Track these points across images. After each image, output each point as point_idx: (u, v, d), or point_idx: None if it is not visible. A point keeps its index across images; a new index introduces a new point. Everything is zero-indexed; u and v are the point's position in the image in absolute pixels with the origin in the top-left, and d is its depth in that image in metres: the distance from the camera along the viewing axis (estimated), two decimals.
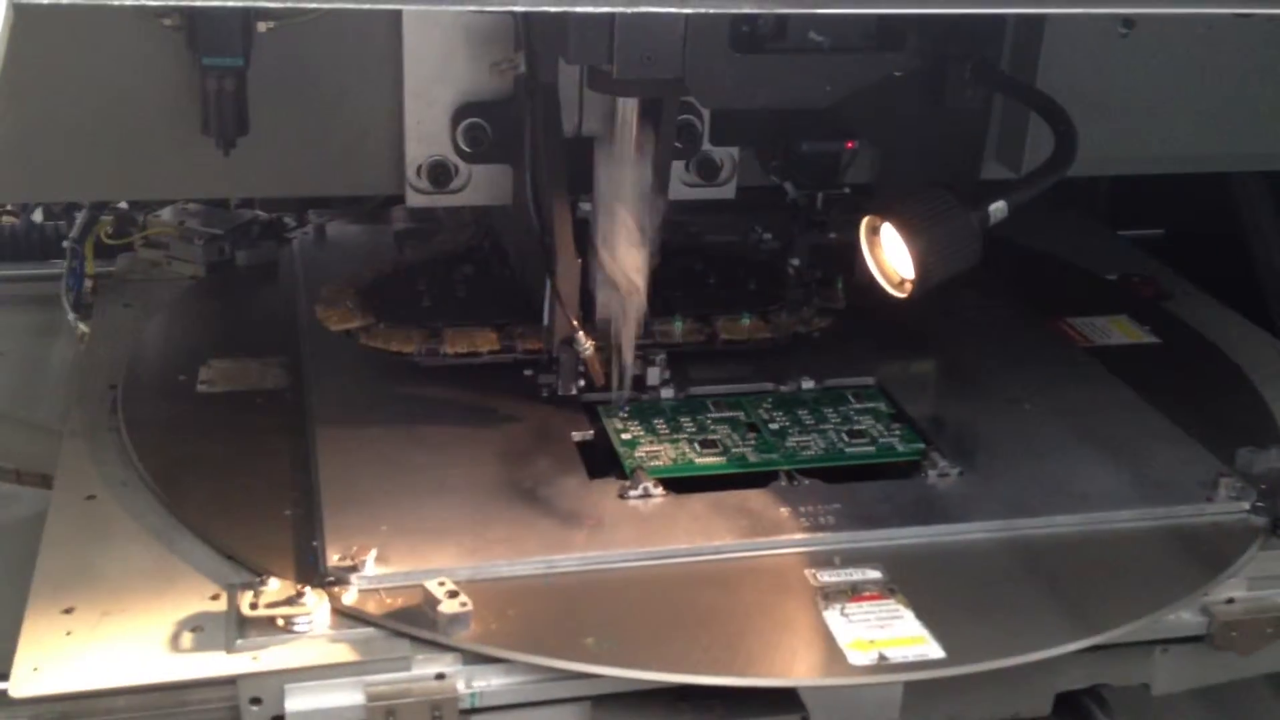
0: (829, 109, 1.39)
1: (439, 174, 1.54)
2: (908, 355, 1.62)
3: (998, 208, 1.36)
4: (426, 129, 1.52)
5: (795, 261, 1.70)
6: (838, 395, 1.54)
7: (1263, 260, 2.09)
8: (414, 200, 1.56)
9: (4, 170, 1.44)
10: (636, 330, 1.45)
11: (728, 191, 1.64)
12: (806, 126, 1.56)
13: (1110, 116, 1.64)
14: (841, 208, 1.63)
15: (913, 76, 1.39)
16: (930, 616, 1.18)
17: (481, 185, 1.56)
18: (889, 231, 1.38)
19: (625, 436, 1.43)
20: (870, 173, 1.72)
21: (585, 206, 1.49)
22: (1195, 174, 1.92)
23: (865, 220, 1.42)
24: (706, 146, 1.60)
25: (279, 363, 1.57)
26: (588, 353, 1.41)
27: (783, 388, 1.54)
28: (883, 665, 1.13)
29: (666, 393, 1.50)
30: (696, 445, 1.42)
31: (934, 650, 1.15)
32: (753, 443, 1.44)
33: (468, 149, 1.53)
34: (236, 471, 1.36)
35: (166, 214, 1.91)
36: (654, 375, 1.51)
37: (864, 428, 1.47)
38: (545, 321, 1.46)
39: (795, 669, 1.13)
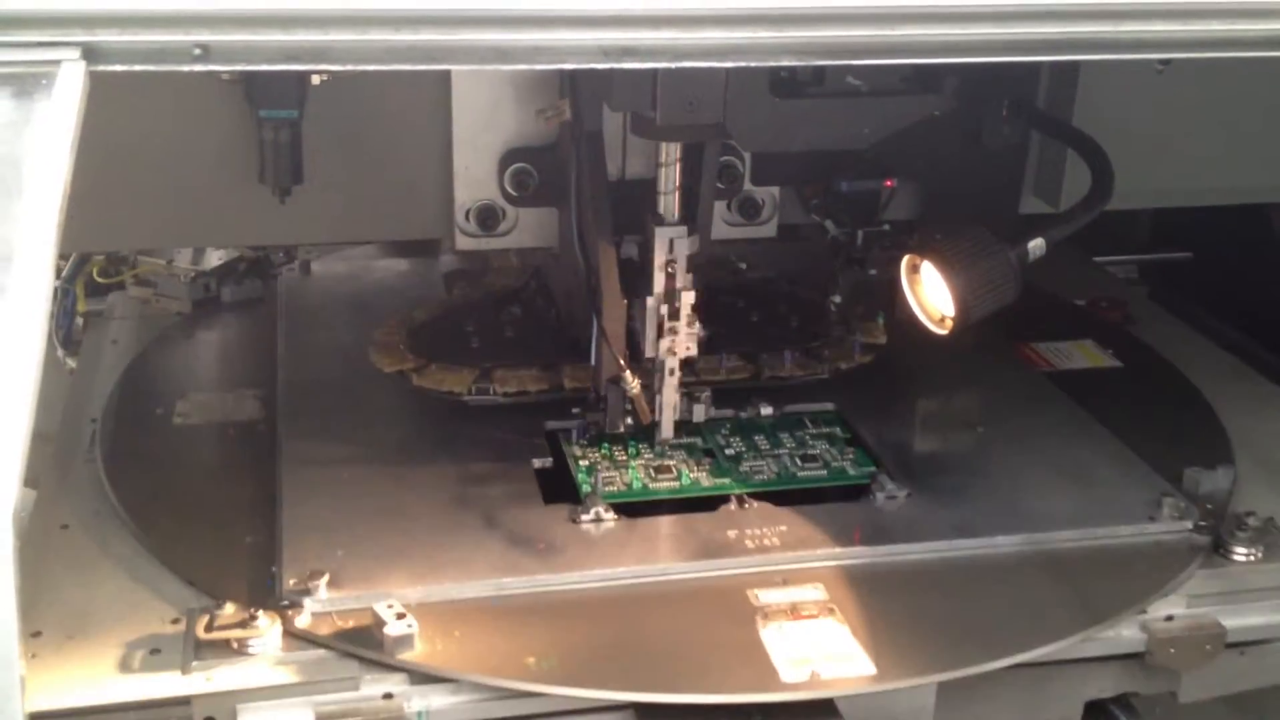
0: (868, 149, 1.42)
1: (487, 217, 1.57)
2: (869, 380, 1.65)
3: (1036, 245, 1.38)
4: (474, 174, 1.56)
5: (836, 298, 1.72)
6: (795, 421, 1.58)
7: None
8: (463, 243, 1.59)
9: (71, 221, 1.49)
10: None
11: (769, 230, 1.66)
12: (846, 166, 1.59)
13: (1148, 150, 1.66)
14: (881, 245, 1.65)
15: (951, 115, 1.41)
16: (866, 634, 1.23)
17: (528, 228, 1.59)
18: (929, 270, 1.41)
19: (584, 463, 1.48)
20: (910, 209, 1.74)
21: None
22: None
23: (906, 258, 1.45)
24: (748, 187, 1.62)
25: (254, 395, 1.64)
26: (634, 391, 1.45)
27: (742, 414, 1.57)
28: (814, 681, 1.17)
29: (627, 420, 1.52)
30: (652, 471, 1.47)
31: (865, 667, 1.19)
32: (707, 468, 1.48)
33: (515, 193, 1.56)
34: (204, 500, 1.43)
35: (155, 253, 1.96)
36: (699, 412, 1.54)
37: (817, 452, 1.52)
38: (592, 361, 1.49)
39: (728, 685, 1.18)
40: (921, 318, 1.46)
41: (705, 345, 1.60)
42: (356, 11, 0.94)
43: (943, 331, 1.43)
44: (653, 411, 1.48)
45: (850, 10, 1.00)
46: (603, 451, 1.50)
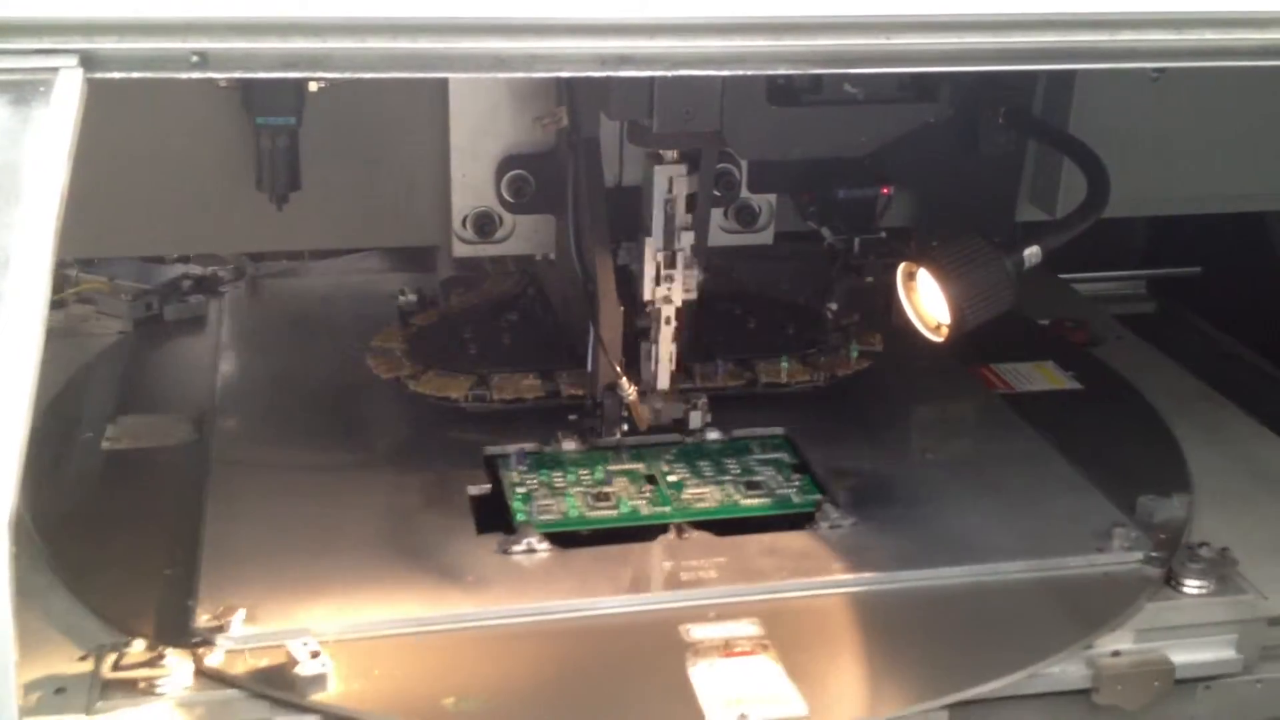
0: (865, 156, 1.43)
1: (484, 224, 1.58)
2: (823, 401, 1.61)
3: (1032, 252, 1.39)
4: (472, 181, 1.56)
5: (833, 305, 1.73)
6: (742, 446, 1.54)
7: None
8: (460, 250, 1.60)
9: (69, 227, 1.49)
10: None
11: (766, 237, 1.67)
12: (843, 173, 1.59)
13: (1143, 158, 1.67)
14: (878, 252, 1.66)
15: (947, 123, 1.42)
16: (800, 672, 1.18)
17: (525, 235, 1.60)
18: (925, 277, 1.41)
19: (520, 490, 1.44)
20: (907, 217, 1.74)
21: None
22: (1235, 213, 1.93)
23: (902, 266, 1.46)
24: (744, 194, 1.63)
25: (188, 419, 1.59)
26: (631, 398, 1.45)
27: (687, 439, 1.54)
28: None
29: (569, 445, 1.51)
30: (590, 499, 1.42)
31: (797, 708, 1.14)
32: (648, 495, 1.44)
33: (511, 200, 1.56)
34: (125, 529, 1.38)
35: (99, 270, 1.91)
36: (696, 419, 1.54)
37: (763, 479, 1.47)
38: (589, 368, 1.49)
39: None
40: (918, 325, 1.46)
41: (702, 352, 1.61)
42: (354, 20, 0.94)
43: (939, 339, 1.44)
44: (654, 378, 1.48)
45: (846, 19, 1.01)
46: (541, 478, 1.46)
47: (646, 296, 1.46)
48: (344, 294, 1.93)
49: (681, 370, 1.53)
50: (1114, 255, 2.22)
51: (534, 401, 1.57)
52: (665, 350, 1.48)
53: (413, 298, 1.80)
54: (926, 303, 1.44)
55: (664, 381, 1.49)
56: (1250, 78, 1.56)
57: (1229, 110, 1.70)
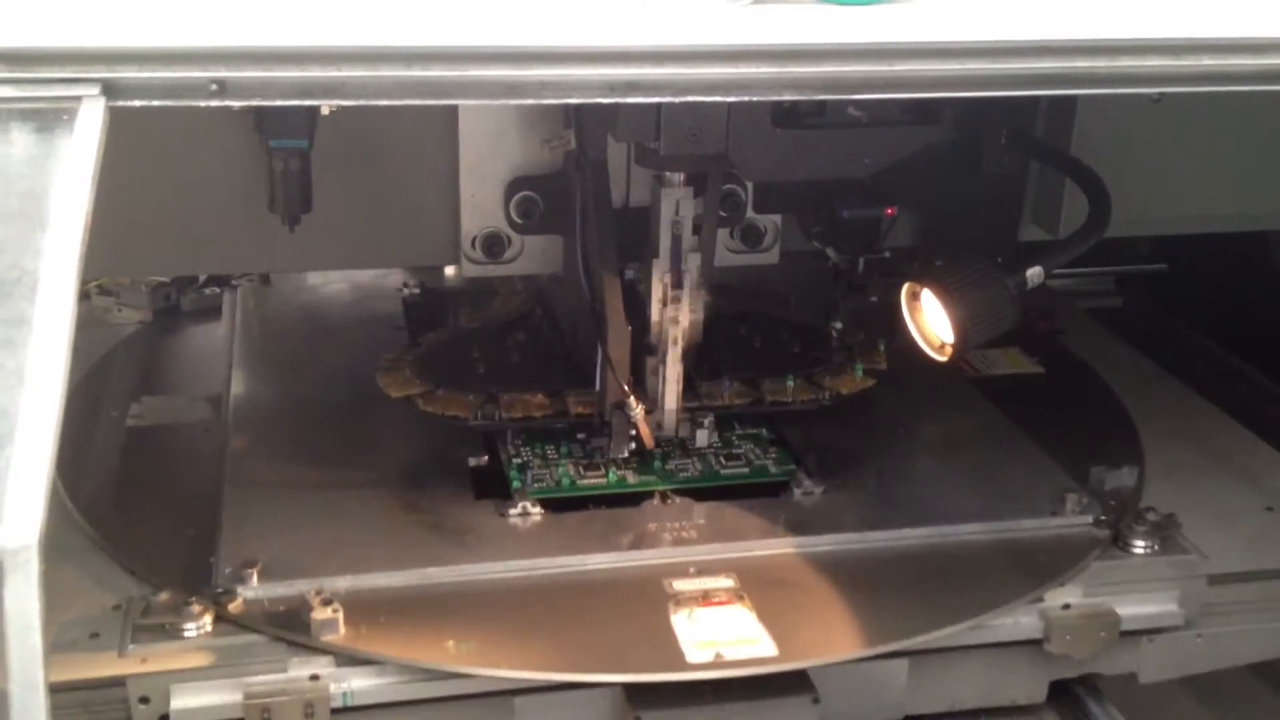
0: (869, 177, 1.44)
1: (493, 245, 1.60)
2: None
3: (1034, 273, 1.41)
4: (481, 202, 1.58)
5: (838, 325, 1.74)
6: (724, 422, 1.61)
7: None
8: (469, 270, 1.62)
9: (91, 250, 1.51)
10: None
11: (771, 257, 1.68)
12: (847, 194, 1.61)
13: (1145, 178, 1.68)
14: (882, 271, 1.67)
15: (951, 144, 1.43)
16: (771, 619, 1.29)
17: (533, 255, 1.62)
18: (929, 298, 1.43)
19: (517, 461, 1.54)
20: (910, 236, 1.76)
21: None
22: None
23: (906, 286, 1.48)
24: (750, 214, 1.64)
25: (207, 399, 1.72)
26: (638, 416, 1.47)
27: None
28: (717, 662, 1.23)
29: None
30: (581, 468, 1.52)
31: (767, 649, 1.25)
32: (635, 465, 1.53)
33: (520, 221, 1.58)
34: (150, 496, 1.53)
35: None
36: (702, 437, 1.56)
37: (741, 451, 1.57)
38: (597, 386, 1.51)
39: (634, 665, 1.24)
40: (922, 344, 1.48)
41: (708, 371, 1.63)
42: (368, 48, 0.96)
43: (942, 358, 1.46)
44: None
45: (849, 46, 1.02)
46: (536, 450, 1.55)
47: (654, 318, 1.48)
48: (351, 286, 2.03)
49: (688, 389, 1.54)
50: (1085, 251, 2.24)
51: (543, 420, 1.58)
52: (672, 370, 1.50)
53: (416, 290, 1.91)
54: (930, 322, 1.46)
55: (671, 401, 1.51)
56: (1251, 100, 1.58)
57: (1230, 132, 1.71)
